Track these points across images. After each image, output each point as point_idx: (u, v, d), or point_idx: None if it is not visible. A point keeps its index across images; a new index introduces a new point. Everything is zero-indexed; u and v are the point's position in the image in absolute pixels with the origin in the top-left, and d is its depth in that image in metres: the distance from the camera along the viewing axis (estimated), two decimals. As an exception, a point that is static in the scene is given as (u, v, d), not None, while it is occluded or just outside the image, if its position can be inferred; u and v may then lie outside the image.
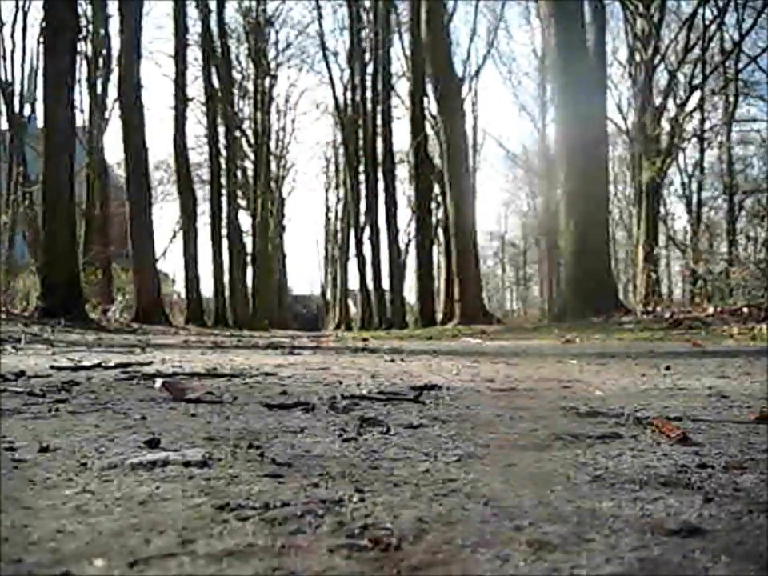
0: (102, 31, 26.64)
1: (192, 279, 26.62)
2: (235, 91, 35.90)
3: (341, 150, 39.44)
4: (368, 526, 0.77)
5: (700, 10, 27.15)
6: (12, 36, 27.43)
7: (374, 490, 0.95)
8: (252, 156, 38.42)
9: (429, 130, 29.15)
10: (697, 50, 27.75)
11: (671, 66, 28.18)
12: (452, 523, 0.77)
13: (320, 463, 1.14)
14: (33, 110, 28.22)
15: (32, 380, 2.92)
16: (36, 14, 47.86)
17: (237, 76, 37.23)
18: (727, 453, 1.31)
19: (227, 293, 31.89)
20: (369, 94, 33.21)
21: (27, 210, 22.89)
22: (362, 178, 33.81)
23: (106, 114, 27.49)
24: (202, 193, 34.86)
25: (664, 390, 2.70)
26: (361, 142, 33.60)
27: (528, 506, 0.84)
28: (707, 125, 30.78)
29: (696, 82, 27.93)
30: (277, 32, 43.97)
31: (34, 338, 7.95)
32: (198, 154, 36.12)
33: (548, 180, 31.44)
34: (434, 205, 31.72)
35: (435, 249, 33.12)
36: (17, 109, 27.08)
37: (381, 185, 31.26)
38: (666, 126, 27.62)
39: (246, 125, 38.91)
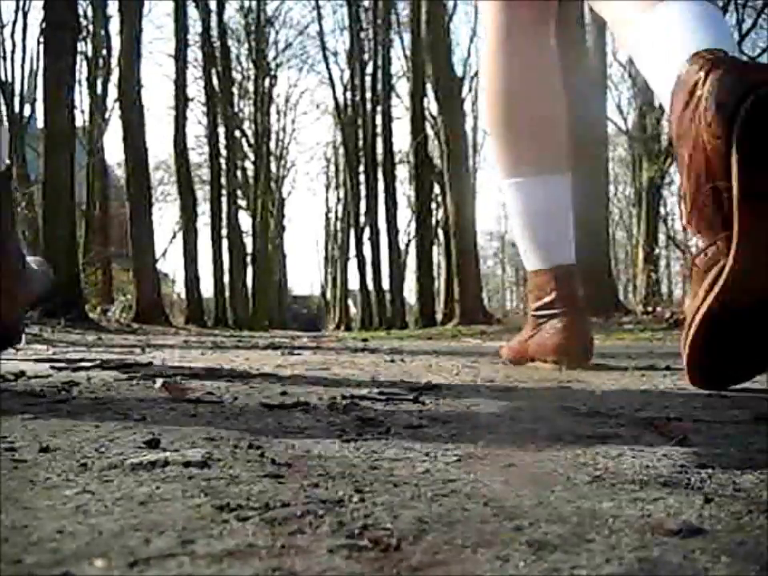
0: (102, 31, 26.69)
1: (192, 279, 26.62)
2: (235, 91, 35.94)
3: (341, 151, 39.45)
4: (368, 526, 0.76)
5: (700, 10, 27.16)
6: (12, 36, 27.48)
7: (374, 490, 0.95)
8: (252, 156, 38.46)
9: (429, 130, 29.15)
10: (697, 50, 27.73)
11: (671, 66, 28.16)
12: (452, 523, 0.77)
13: (320, 463, 1.14)
14: (33, 110, 28.25)
15: (32, 380, 2.93)
16: (36, 14, 47.96)
17: (237, 76, 37.30)
18: (727, 453, 1.31)
19: (227, 293, 31.91)
20: (369, 94, 33.23)
21: (27, 210, 22.91)
22: (362, 178, 33.82)
23: (106, 114, 27.53)
24: (202, 193, 34.90)
25: (664, 390, 2.70)
26: (361, 143, 33.62)
27: (528, 506, 0.84)
28: (707, 125, 30.75)
29: (696, 82, 27.90)
30: (277, 32, 44.21)
31: (33, 338, 7.95)
32: (198, 154, 36.23)
33: (548, 180, 31.37)
34: (434, 205, 31.73)
35: (435, 249, 33.11)
36: (17, 109, 27.10)
37: (381, 185, 31.26)
38: (666, 126, 27.64)
39: (246, 125, 38.98)
